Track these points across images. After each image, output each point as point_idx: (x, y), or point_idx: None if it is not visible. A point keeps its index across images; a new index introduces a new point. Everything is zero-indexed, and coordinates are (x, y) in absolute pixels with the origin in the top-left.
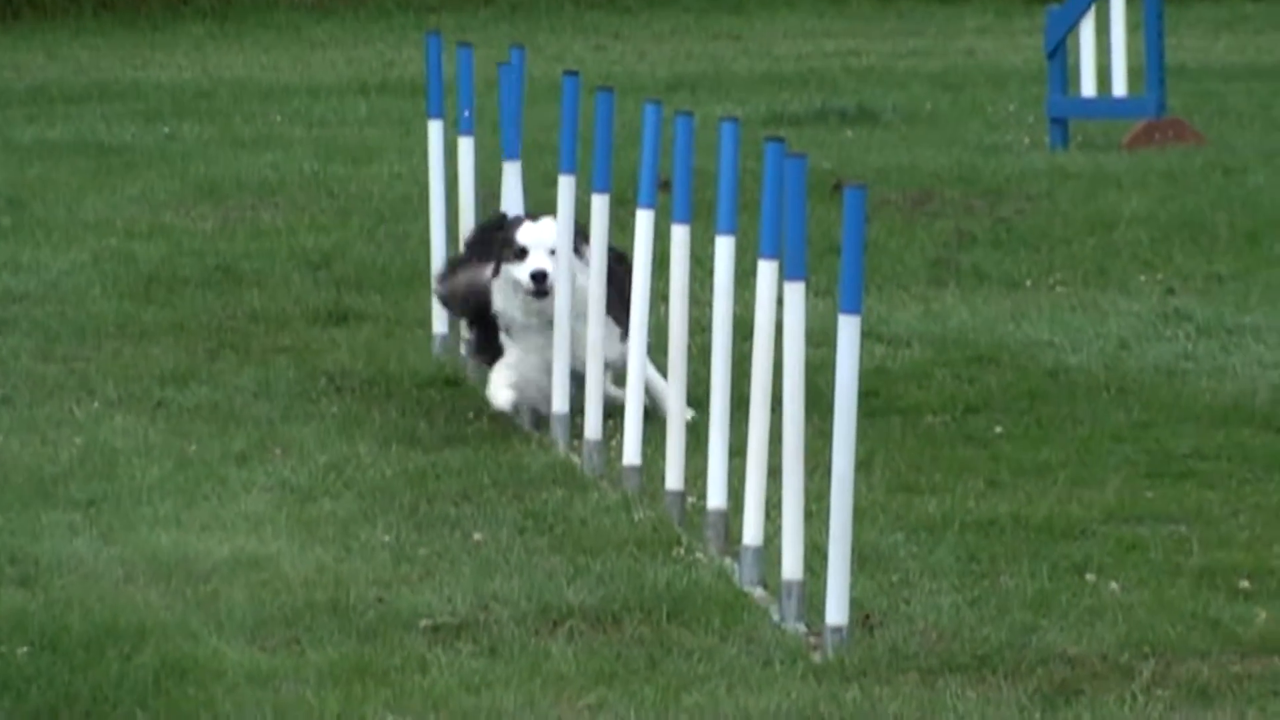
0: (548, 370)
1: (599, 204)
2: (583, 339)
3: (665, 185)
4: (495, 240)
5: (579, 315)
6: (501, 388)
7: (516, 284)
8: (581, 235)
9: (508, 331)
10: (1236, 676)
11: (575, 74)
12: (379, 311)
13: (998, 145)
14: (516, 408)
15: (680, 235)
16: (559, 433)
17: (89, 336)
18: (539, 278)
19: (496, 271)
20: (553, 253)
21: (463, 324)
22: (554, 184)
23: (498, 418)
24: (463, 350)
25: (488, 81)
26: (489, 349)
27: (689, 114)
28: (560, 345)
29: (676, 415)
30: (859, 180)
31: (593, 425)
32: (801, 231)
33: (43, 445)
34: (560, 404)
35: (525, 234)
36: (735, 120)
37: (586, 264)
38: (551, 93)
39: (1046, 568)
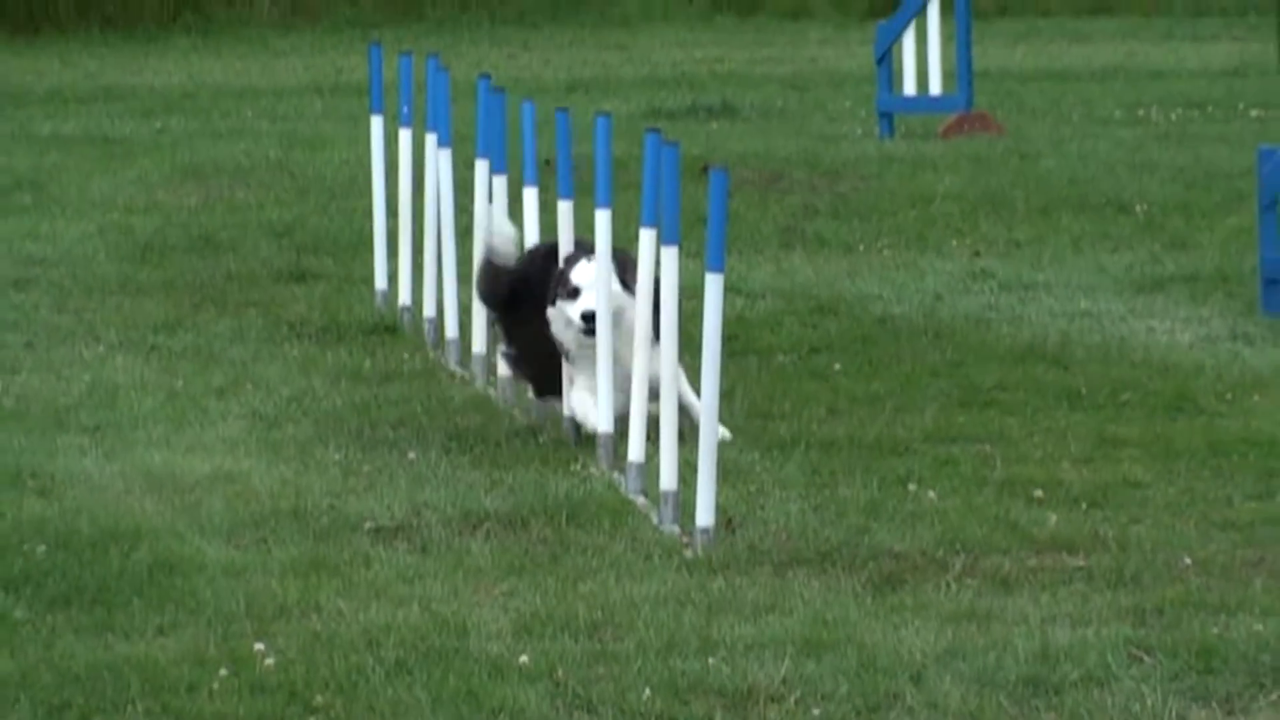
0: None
1: (499, 183)
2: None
3: (549, 163)
4: (548, 271)
5: (626, 341)
6: (591, 409)
7: (569, 320)
8: (626, 265)
9: (567, 358)
10: (1032, 569)
11: (488, 76)
12: (331, 272)
13: (836, 135)
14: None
15: (565, 209)
16: (478, 370)
17: (95, 293)
18: (588, 318)
19: (553, 302)
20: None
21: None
22: (471, 166)
23: (433, 371)
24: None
25: (419, 84)
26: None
27: (565, 110)
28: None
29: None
30: (722, 163)
31: (505, 366)
32: (675, 205)
33: (58, 381)
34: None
35: (579, 274)
36: (608, 115)
37: (630, 294)
38: (471, 92)
39: (876, 480)
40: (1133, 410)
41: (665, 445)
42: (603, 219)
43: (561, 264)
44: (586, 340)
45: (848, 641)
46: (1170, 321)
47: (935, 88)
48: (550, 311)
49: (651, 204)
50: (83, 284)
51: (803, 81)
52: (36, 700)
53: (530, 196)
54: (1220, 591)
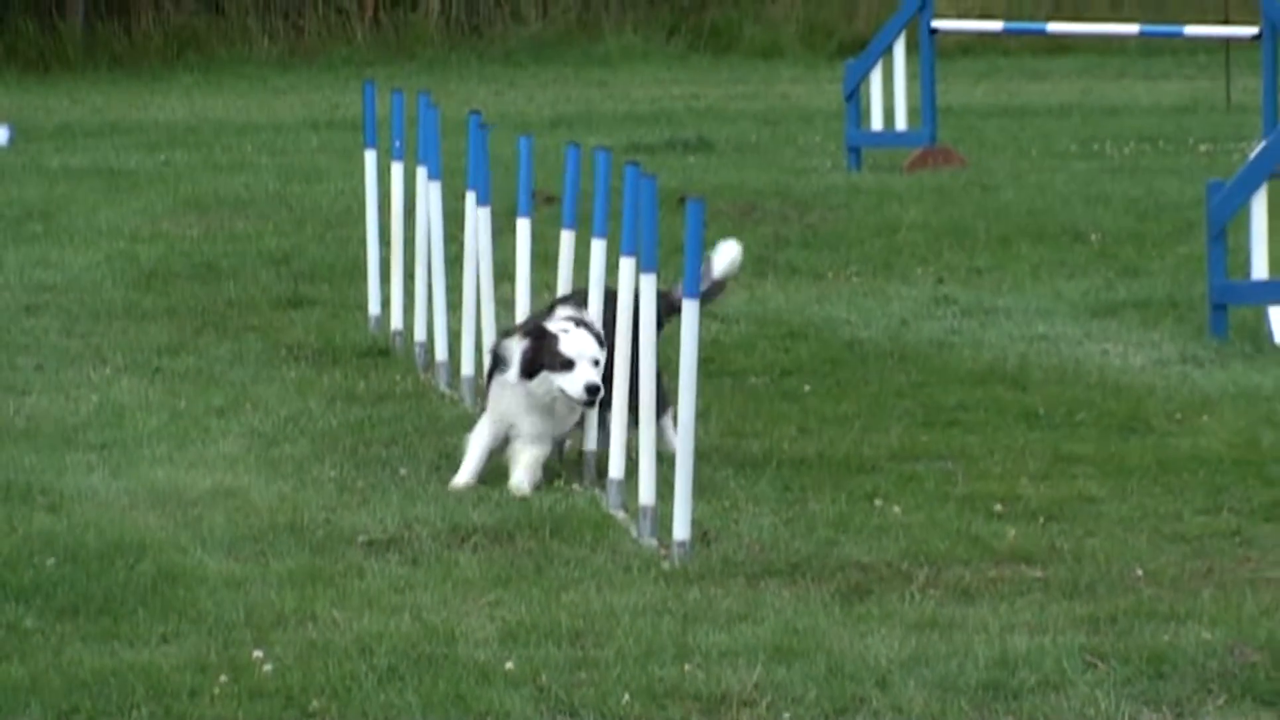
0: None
1: (482, 214)
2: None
3: (550, 200)
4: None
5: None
6: (464, 475)
7: (561, 391)
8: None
9: (498, 407)
10: (992, 580)
11: (478, 113)
12: (327, 298)
13: (806, 168)
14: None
15: (567, 238)
16: (466, 391)
17: (102, 318)
18: (593, 390)
19: (532, 375)
20: (596, 363)
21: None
22: (460, 197)
23: (425, 392)
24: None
25: (410, 120)
26: None
27: (577, 145)
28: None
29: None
30: (698, 195)
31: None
32: (653, 235)
33: (66, 402)
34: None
35: (569, 345)
36: (608, 149)
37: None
38: (460, 128)
39: (844, 495)
40: (1087, 429)
41: (644, 463)
42: (598, 248)
43: (526, 337)
44: (575, 408)
45: (817, 649)
46: (1123, 345)
47: (901, 123)
48: (533, 381)
49: (631, 234)
50: (90, 309)
51: (775, 117)
52: (46, 705)
53: (484, 215)
54: (1170, 601)
